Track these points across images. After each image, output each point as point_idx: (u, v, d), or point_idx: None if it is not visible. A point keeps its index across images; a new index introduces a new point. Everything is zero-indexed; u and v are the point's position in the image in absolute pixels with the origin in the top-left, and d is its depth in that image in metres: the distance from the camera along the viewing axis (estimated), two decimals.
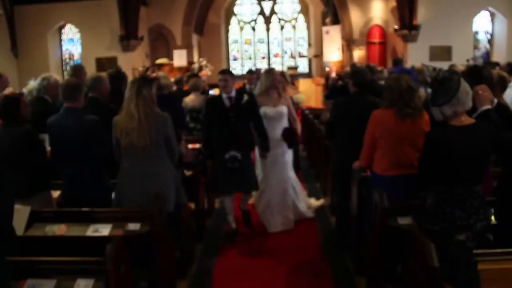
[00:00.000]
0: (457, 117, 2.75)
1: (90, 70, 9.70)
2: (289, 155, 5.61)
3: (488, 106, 3.31)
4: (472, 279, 2.56)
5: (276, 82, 5.56)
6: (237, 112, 4.92)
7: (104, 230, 3.28)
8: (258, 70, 8.39)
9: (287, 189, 5.54)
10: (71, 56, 15.30)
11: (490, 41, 14.49)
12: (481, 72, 3.96)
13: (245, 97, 4.99)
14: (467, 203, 2.71)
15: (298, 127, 5.87)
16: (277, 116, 5.41)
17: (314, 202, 6.18)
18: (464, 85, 2.76)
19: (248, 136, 5.07)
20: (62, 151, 3.93)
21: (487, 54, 14.43)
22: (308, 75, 18.46)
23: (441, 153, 2.72)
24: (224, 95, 4.97)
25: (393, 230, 3.35)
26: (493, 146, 2.81)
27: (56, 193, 4.19)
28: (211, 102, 5.21)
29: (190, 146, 6.15)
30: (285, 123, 5.50)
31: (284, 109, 5.47)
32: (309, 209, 5.87)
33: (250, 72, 8.44)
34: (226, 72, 5.16)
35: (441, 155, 2.72)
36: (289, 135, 5.44)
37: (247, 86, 7.63)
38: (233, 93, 4.98)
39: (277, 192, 5.46)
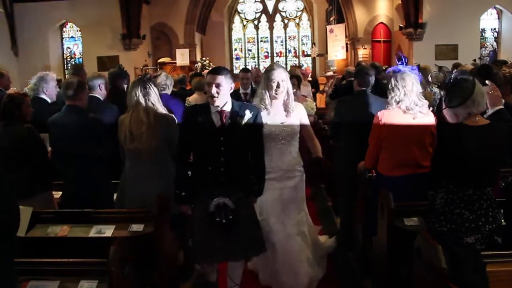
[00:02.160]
0: (471, 118, 2.70)
1: (92, 69, 9.68)
2: (302, 187, 3.89)
3: (500, 106, 3.27)
4: (481, 281, 2.52)
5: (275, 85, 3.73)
6: (232, 136, 3.16)
7: (107, 231, 3.25)
8: (256, 69, 7.82)
9: (298, 252, 3.79)
10: (72, 55, 15.30)
11: (496, 39, 14.41)
12: (492, 71, 3.92)
13: (248, 113, 3.19)
14: (477, 205, 2.67)
15: (318, 148, 3.96)
16: (286, 134, 3.68)
17: (327, 242, 4.43)
18: (479, 87, 2.72)
19: (245, 173, 3.28)
20: (63, 150, 3.88)
21: (494, 52, 14.35)
22: (313, 74, 18.41)
23: (454, 153, 2.68)
24: (213, 108, 3.16)
25: (399, 231, 3.31)
26: (508, 147, 2.76)
27: (57, 194, 4.16)
28: (191, 114, 3.26)
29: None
30: (297, 144, 3.82)
31: (296, 121, 3.73)
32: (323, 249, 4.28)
33: (244, 70, 6.60)
34: (219, 72, 3.17)
35: (454, 155, 2.68)
36: (319, 171, 4.00)
37: (241, 91, 6.21)
38: (228, 106, 3.18)
39: (284, 255, 3.73)
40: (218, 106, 3.12)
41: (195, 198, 3.24)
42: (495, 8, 13.90)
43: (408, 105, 3.58)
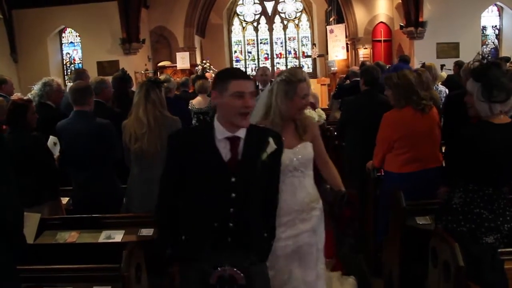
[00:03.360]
0: (498, 116, 2.64)
1: (92, 74, 9.55)
2: (322, 228, 2.95)
3: None
4: (500, 279, 2.48)
5: (305, 102, 2.78)
6: (248, 176, 2.17)
7: (117, 236, 3.21)
8: (263, 68, 7.23)
9: None
10: (72, 60, 15.28)
11: (498, 37, 14.39)
12: (502, 68, 3.88)
13: (271, 142, 2.19)
14: (496, 204, 2.63)
15: (336, 177, 3.01)
16: (299, 163, 2.77)
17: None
18: None
19: (260, 228, 2.28)
20: (73, 155, 3.87)
21: (496, 50, 14.33)
22: (313, 75, 18.39)
23: (478, 150, 2.62)
24: (220, 132, 2.15)
25: (412, 231, 3.27)
26: None
27: (65, 200, 4.12)
28: (184, 141, 2.22)
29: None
30: (312, 174, 2.89)
31: (309, 144, 2.84)
32: None
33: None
34: (249, 77, 2.25)
35: (478, 153, 2.62)
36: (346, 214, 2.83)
37: (261, 88, 6.04)
38: (242, 130, 2.17)
39: None
40: (229, 131, 2.12)
41: (187, 263, 2.24)
42: (495, 5, 13.88)
43: (418, 99, 3.55)
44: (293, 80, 2.73)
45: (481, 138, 2.62)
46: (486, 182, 2.64)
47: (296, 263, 2.79)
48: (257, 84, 6.36)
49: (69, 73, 14.82)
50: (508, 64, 5.88)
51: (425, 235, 3.00)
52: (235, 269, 2.12)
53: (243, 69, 19.33)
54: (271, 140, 2.18)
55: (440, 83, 6.54)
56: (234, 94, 2.06)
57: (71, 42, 15.21)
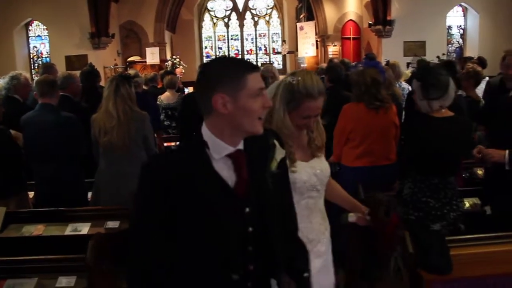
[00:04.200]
0: (440, 110, 2.84)
1: (60, 68, 9.41)
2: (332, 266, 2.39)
3: None
4: (446, 264, 2.66)
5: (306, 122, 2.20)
6: (264, 201, 1.61)
7: (83, 228, 3.26)
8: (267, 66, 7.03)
9: None
10: (39, 54, 14.97)
11: (462, 36, 14.83)
12: (455, 66, 4.09)
13: (276, 143, 1.68)
14: (442, 193, 2.81)
15: (350, 198, 2.53)
16: (318, 180, 2.24)
17: None
18: (452, 82, 2.86)
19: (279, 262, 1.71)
20: (37, 149, 3.85)
21: (460, 49, 14.77)
22: (283, 71, 18.55)
23: (422, 143, 2.81)
24: (220, 148, 1.54)
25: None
26: (471, 138, 2.92)
27: (32, 194, 4.12)
28: (170, 173, 1.52)
29: (165, 144, 6.14)
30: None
31: (325, 161, 2.34)
32: None
33: None
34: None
35: (422, 145, 2.81)
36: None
37: None
38: (241, 144, 1.61)
39: None
40: (231, 145, 1.56)
41: None
42: (460, 5, 14.28)
43: (370, 99, 3.68)
44: (302, 92, 2.11)
45: (422, 132, 2.82)
46: (431, 173, 2.82)
47: None
48: None
49: (36, 67, 14.54)
50: (469, 63, 6.13)
51: None
52: None
53: None
54: (276, 142, 1.67)
55: (404, 80, 6.75)
56: (254, 93, 1.50)
57: (38, 36, 14.89)
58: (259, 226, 1.58)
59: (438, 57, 10.66)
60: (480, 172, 4.27)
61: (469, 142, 2.95)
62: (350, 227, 2.42)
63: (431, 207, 2.79)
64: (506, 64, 3.07)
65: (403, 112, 4.74)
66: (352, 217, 2.36)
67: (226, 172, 1.55)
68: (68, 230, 3.26)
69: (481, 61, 7.02)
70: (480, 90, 5.54)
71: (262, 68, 5.16)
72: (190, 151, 1.59)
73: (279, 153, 1.66)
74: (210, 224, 1.52)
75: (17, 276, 2.54)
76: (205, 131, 1.55)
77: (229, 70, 1.51)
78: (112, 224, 3.31)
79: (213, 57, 19.57)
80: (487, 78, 5.93)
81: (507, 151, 2.90)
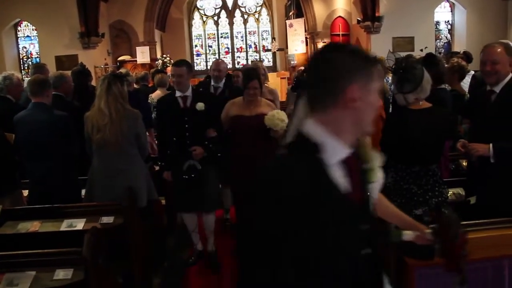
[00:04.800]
0: (417, 102, 2.95)
1: (50, 69, 9.42)
2: None
3: None
4: (428, 249, 2.75)
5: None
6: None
7: (79, 224, 3.32)
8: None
9: None
10: (29, 55, 14.92)
11: (450, 31, 14.99)
12: (436, 59, 4.20)
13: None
14: (424, 180, 2.92)
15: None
16: None
17: None
18: (426, 75, 2.96)
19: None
20: (31, 147, 3.89)
21: (448, 44, 14.93)
22: (273, 68, 18.61)
23: (399, 134, 2.92)
24: (335, 154, 1.25)
25: None
26: (448, 128, 3.02)
27: (26, 193, 4.16)
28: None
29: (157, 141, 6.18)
30: None
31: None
32: None
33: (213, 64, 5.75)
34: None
35: (400, 136, 2.92)
36: None
37: (213, 84, 5.56)
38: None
39: None
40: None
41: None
42: (448, 1, 14.43)
43: None
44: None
45: (399, 123, 2.93)
46: (412, 161, 2.94)
47: None
48: (211, 81, 5.68)
49: (26, 68, 14.49)
50: (454, 58, 6.23)
51: None
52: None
53: (204, 64, 19.46)
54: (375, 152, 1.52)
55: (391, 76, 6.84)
56: (378, 88, 1.36)
57: (28, 36, 14.83)
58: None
59: (421, 50, 10.80)
60: (465, 163, 4.38)
61: (447, 132, 3.05)
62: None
63: (413, 193, 2.90)
64: (482, 60, 3.17)
65: (390, 106, 4.84)
66: (408, 235, 2.12)
67: (339, 180, 1.28)
68: (64, 226, 3.32)
69: (467, 56, 7.14)
70: (466, 84, 5.66)
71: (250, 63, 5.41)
72: (297, 157, 1.27)
73: (376, 159, 1.46)
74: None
75: (15, 270, 2.60)
76: (315, 130, 1.29)
77: (361, 61, 1.32)
78: (107, 219, 3.38)
79: (204, 55, 19.59)
80: (472, 72, 6.05)
81: (491, 145, 2.99)
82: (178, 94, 4.02)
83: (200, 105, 3.97)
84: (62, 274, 2.55)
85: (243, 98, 4.20)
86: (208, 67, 15.52)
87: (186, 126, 3.96)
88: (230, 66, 18.94)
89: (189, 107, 4.00)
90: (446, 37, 15.06)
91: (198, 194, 4.05)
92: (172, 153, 4.09)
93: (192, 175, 3.97)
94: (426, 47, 11.99)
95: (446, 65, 4.97)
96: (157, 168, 4.85)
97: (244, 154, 4.08)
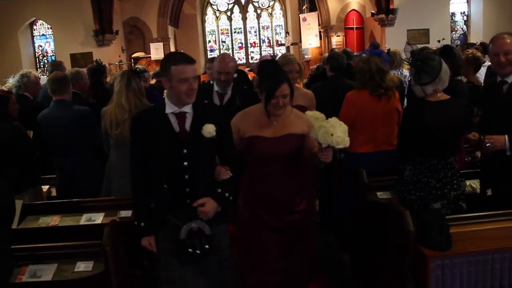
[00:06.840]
0: (435, 94, 2.93)
1: (65, 66, 9.60)
2: None
3: None
4: (445, 241, 2.76)
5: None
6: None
7: (98, 218, 3.37)
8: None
9: None
10: (44, 53, 15.12)
11: (466, 23, 14.80)
12: (453, 50, 4.16)
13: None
14: (442, 174, 2.91)
15: None
16: None
17: None
18: (444, 66, 2.94)
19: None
20: (57, 143, 4.04)
21: (464, 36, 14.75)
22: None
23: (417, 126, 2.90)
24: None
25: (374, 205, 3.51)
26: (466, 120, 3.01)
27: (45, 188, 4.25)
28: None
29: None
30: None
31: None
32: None
33: (210, 61, 5.22)
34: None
35: (418, 129, 2.90)
36: None
37: (217, 90, 4.10)
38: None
39: None
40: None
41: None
42: None
43: (374, 86, 3.76)
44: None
45: (418, 116, 2.91)
46: (430, 154, 2.92)
47: None
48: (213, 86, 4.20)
49: (41, 66, 14.70)
50: (468, 49, 6.17)
51: (385, 207, 3.25)
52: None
53: None
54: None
55: (406, 68, 6.79)
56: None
57: (43, 35, 15.04)
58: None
59: (439, 41, 10.67)
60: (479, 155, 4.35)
61: (464, 123, 3.03)
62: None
63: (432, 186, 2.89)
64: (493, 52, 3.14)
65: (405, 99, 4.82)
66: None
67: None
68: (83, 220, 3.38)
69: (484, 47, 7.06)
70: (481, 75, 5.60)
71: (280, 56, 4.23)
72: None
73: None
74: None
75: (38, 262, 2.67)
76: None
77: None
78: (125, 213, 3.42)
79: (217, 50, 19.63)
80: (488, 63, 5.98)
81: (506, 136, 2.95)
82: (169, 110, 2.47)
83: (209, 129, 2.46)
84: (83, 266, 2.62)
85: (263, 108, 2.84)
86: None
87: (185, 163, 2.46)
88: (243, 61, 18.94)
89: (190, 131, 2.49)
90: (462, 28, 14.89)
91: (210, 275, 2.58)
92: (159, 207, 2.54)
93: (202, 247, 2.44)
94: (443, 39, 11.86)
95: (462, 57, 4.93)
96: None
97: (265, 197, 2.90)
